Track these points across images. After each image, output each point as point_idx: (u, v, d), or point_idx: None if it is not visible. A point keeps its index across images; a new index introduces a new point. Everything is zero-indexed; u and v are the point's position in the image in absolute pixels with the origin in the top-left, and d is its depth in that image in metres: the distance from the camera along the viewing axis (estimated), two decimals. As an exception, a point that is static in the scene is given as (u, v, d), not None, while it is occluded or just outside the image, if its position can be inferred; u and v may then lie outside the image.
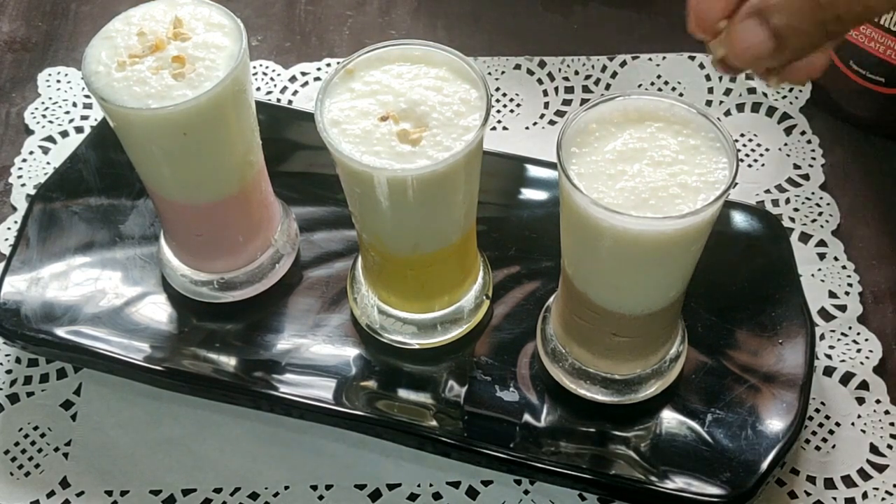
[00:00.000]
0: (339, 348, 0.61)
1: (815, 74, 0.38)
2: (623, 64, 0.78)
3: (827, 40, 0.36)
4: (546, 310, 0.60)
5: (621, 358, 0.56)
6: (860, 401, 0.60)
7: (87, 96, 0.78)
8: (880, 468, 0.58)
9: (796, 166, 0.72)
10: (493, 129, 0.75)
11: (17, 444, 0.60)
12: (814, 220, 0.69)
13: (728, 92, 0.76)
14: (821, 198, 0.70)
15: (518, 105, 0.77)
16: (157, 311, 0.63)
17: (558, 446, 0.56)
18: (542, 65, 0.79)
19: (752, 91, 0.76)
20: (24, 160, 0.74)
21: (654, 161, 0.47)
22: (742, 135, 0.74)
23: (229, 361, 0.60)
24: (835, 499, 0.57)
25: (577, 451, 0.56)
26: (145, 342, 0.61)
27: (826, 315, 0.64)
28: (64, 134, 0.76)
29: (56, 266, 0.64)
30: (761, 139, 0.73)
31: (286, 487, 0.58)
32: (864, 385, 0.61)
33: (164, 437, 0.60)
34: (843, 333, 0.63)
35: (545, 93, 0.77)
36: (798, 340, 0.59)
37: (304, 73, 0.79)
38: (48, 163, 0.74)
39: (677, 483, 0.54)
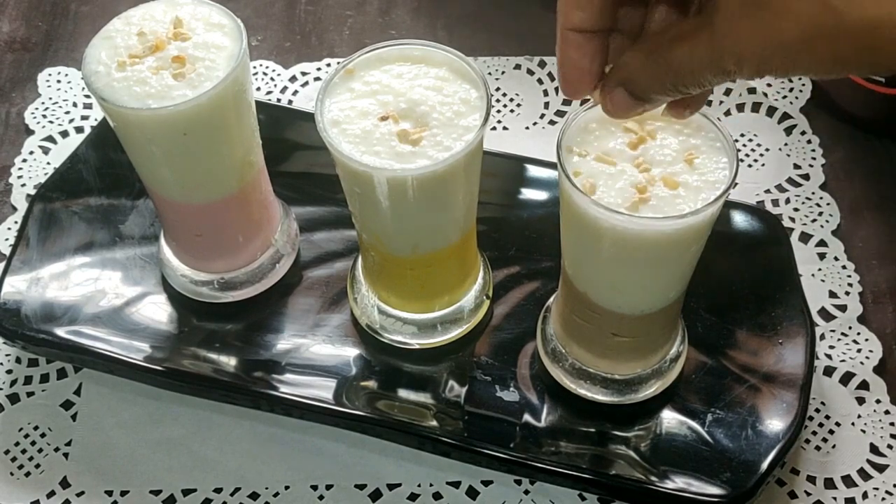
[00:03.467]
0: (339, 348, 0.61)
1: (693, 112, 0.44)
2: (623, 64, 0.78)
3: (688, 94, 0.41)
4: (546, 310, 0.60)
5: (621, 358, 0.56)
6: (860, 401, 0.60)
7: (87, 96, 0.78)
8: (880, 468, 0.58)
9: (796, 166, 0.72)
10: (494, 129, 0.75)
11: (17, 444, 0.60)
12: (814, 220, 0.69)
13: (728, 92, 0.76)
14: (821, 198, 0.70)
15: (518, 105, 0.77)
16: (157, 311, 0.63)
17: (558, 446, 0.56)
18: (542, 65, 0.79)
19: (752, 91, 0.76)
20: (24, 160, 0.74)
21: (655, 161, 0.47)
22: (742, 135, 0.74)
23: (229, 361, 0.60)
24: (835, 499, 0.57)
25: (577, 451, 0.56)
26: (145, 342, 0.61)
27: (826, 315, 0.64)
28: (64, 134, 0.76)
29: (56, 266, 0.64)
30: (761, 139, 0.73)
31: (286, 487, 0.58)
32: (864, 385, 0.61)
33: (164, 437, 0.60)
34: (843, 333, 0.63)
35: (545, 93, 0.77)
36: (798, 340, 0.59)
37: (304, 73, 0.79)
38: (48, 163, 0.74)
39: (677, 483, 0.54)
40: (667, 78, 0.39)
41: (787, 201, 0.70)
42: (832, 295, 0.65)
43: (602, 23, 0.42)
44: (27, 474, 0.59)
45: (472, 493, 0.58)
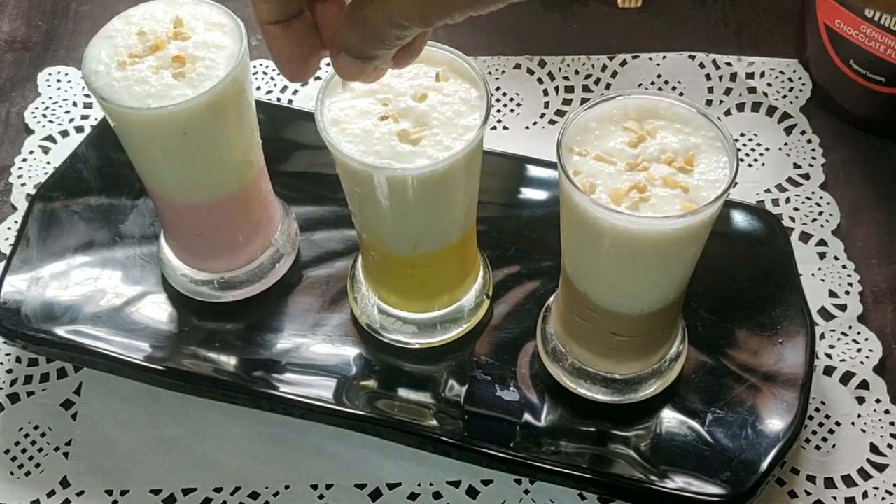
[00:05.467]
0: (339, 348, 0.61)
1: (417, 54, 0.44)
2: (623, 63, 0.78)
3: (397, 45, 0.41)
4: (546, 309, 0.60)
5: (621, 357, 0.56)
6: (860, 400, 0.60)
7: (87, 96, 0.78)
8: (880, 467, 0.58)
9: (796, 166, 0.72)
10: (494, 128, 0.75)
11: (17, 443, 0.60)
12: (814, 220, 0.69)
13: (728, 91, 0.76)
14: (821, 197, 0.70)
15: (518, 105, 0.77)
16: (157, 311, 0.63)
17: (558, 446, 0.56)
18: (542, 64, 0.79)
19: (752, 91, 0.76)
20: (25, 160, 0.74)
21: (654, 160, 0.47)
22: (742, 134, 0.74)
23: (229, 361, 0.60)
24: (835, 498, 0.57)
25: (577, 450, 0.56)
26: (145, 342, 0.61)
27: (826, 314, 0.64)
28: (64, 133, 0.76)
29: (56, 266, 0.64)
30: (761, 139, 0.73)
31: (286, 487, 0.58)
32: (864, 384, 0.61)
33: (164, 437, 0.60)
34: (843, 333, 0.63)
35: (545, 92, 0.77)
36: (798, 340, 0.59)
37: (304, 73, 0.79)
38: (48, 162, 0.74)
39: (677, 483, 0.54)
40: (370, 36, 0.40)
41: (787, 201, 0.70)
42: (832, 294, 0.65)
43: (290, 10, 0.42)
44: (27, 474, 0.59)
45: (472, 492, 0.58)
